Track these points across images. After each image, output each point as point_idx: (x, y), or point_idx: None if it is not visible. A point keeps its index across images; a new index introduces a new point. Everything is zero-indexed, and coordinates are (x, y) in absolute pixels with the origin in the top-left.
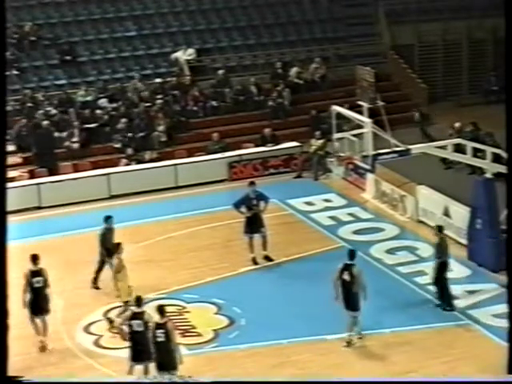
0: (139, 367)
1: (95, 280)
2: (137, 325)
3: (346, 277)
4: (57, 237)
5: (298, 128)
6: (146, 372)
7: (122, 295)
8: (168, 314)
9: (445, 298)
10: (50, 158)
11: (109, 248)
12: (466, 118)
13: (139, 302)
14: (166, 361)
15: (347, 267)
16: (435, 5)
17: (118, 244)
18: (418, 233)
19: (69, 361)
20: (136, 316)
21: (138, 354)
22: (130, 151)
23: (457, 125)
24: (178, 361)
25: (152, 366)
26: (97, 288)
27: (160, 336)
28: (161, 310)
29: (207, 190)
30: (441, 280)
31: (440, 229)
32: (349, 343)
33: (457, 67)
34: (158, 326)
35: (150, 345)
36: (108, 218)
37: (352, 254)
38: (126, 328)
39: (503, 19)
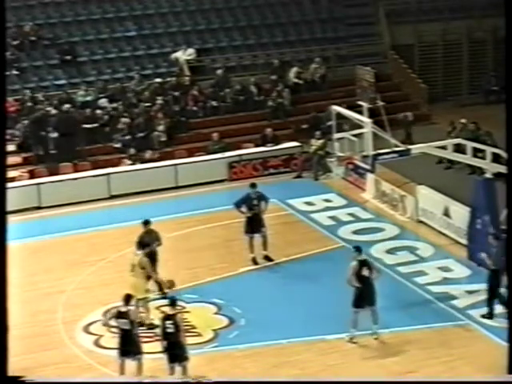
0: (132, 367)
1: None
2: (123, 323)
3: (366, 272)
4: (57, 237)
5: (297, 127)
6: (139, 371)
7: (140, 292)
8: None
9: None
10: (73, 146)
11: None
12: (466, 118)
13: (127, 300)
14: (178, 352)
15: (365, 263)
16: (435, 5)
17: (148, 244)
18: (417, 233)
19: (69, 361)
20: (121, 315)
21: (126, 352)
22: (132, 151)
23: (463, 121)
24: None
25: (147, 365)
26: None
27: (169, 327)
28: (173, 302)
29: (207, 189)
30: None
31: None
32: (377, 338)
33: (457, 67)
34: (168, 317)
35: (138, 342)
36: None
37: (361, 250)
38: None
39: (503, 19)
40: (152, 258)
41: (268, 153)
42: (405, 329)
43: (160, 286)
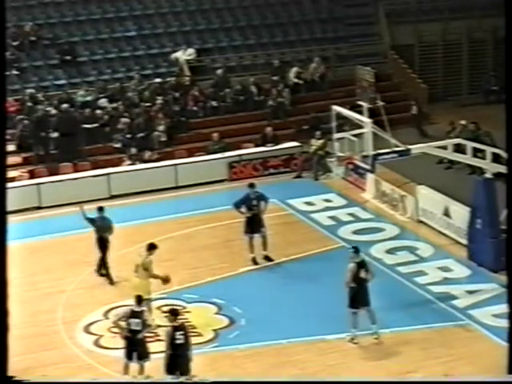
0: (134, 366)
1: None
2: (135, 324)
3: (363, 274)
4: (57, 237)
5: (297, 128)
6: (141, 372)
7: (143, 293)
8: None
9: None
10: (74, 146)
11: None
12: (466, 117)
13: (139, 301)
14: (183, 363)
15: (362, 265)
16: (435, 5)
17: (152, 244)
18: (418, 233)
19: (69, 361)
20: (135, 315)
21: (132, 353)
22: (133, 151)
23: (463, 122)
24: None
25: (147, 365)
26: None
27: (179, 338)
28: (175, 312)
29: (207, 189)
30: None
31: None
32: (377, 337)
33: (457, 67)
34: (177, 328)
35: (146, 344)
36: None
37: (358, 251)
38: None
39: (503, 19)
40: (103, 244)
41: (268, 153)
42: (405, 329)
43: (100, 267)
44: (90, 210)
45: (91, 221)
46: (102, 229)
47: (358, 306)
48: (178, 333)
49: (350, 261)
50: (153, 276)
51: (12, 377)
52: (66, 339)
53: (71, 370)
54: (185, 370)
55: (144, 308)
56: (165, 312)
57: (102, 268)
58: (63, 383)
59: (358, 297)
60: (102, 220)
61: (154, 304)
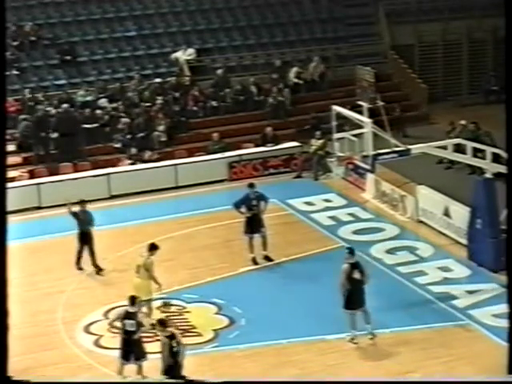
0: (131, 367)
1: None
2: (129, 324)
3: (357, 275)
4: (57, 237)
5: (298, 128)
6: (139, 372)
7: (144, 293)
8: (168, 314)
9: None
10: (74, 146)
11: None
12: (466, 118)
13: (133, 301)
14: (180, 367)
15: (356, 266)
16: (435, 5)
17: (153, 244)
18: (418, 233)
19: (69, 361)
20: (129, 316)
21: (129, 354)
22: (133, 151)
23: (463, 122)
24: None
25: (145, 365)
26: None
27: (175, 346)
28: (163, 322)
29: (207, 189)
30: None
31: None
32: (372, 338)
33: (457, 67)
34: (171, 337)
35: (142, 344)
36: None
37: (353, 252)
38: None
39: (503, 19)
40: (84, 238)
41: (268, 153)
42: (405, 329)
43: (96, 265)
44: (91, 209)
45: (74, 215)
46: (84, 222)
47: (354, 307)
48: (173, 340)
49: (344, 261)
50: (153, 277)
51: (12, 377)
52: (66, 339)
53: (71, 370)
54: (179, 375)
55: (138, 309)
56: (156, 324)
57: (96, 263)
58: (63, 383)
59: (353, 298)
60: (83, 214)
61: (154, 304)
